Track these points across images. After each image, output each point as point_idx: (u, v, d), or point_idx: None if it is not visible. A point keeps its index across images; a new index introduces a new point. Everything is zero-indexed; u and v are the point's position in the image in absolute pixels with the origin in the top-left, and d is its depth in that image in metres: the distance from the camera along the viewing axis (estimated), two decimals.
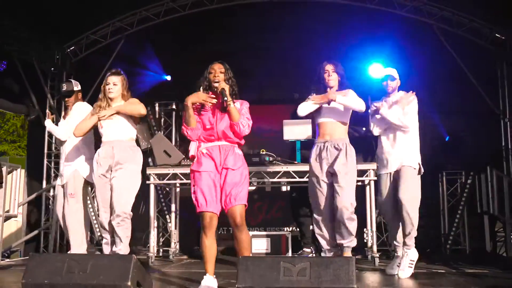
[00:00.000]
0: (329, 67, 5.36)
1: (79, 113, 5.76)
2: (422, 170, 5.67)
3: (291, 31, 8.83)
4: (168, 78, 9.62)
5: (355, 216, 5.25)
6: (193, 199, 4.24)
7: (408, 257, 5.35)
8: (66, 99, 6.11)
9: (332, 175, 5.27)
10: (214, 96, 4.24)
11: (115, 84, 5.25)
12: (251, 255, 4.38)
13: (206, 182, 4.20)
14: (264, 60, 9.04)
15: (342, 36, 8.71)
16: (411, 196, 5.43)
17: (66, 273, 3.43)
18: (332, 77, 5.34)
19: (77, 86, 6.12)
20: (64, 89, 6.07)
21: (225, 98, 4.14)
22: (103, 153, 5.23)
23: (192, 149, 4.50)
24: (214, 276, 4.26)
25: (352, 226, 5.21)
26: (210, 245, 4.22)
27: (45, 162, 9.09)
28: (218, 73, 4.27)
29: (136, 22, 8.96)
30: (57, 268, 3.46)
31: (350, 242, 5.25)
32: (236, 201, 4.15)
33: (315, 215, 5.43)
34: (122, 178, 5.12)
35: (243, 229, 4.18)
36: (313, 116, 5.51)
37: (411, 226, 5.37)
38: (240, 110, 4.28)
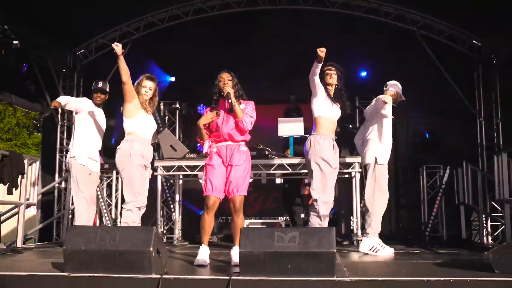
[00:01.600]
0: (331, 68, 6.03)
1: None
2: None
3: (287, 39, 9.56)
4: (172, 79, 10.34)
5: None
6: (203, 185, 5.12)
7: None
8: (97, 95, 6.66)
9: None
10: (219, 113, 5.15)
11: (150, 88, 5.86)
12: None
13: (215, 173, 5.09)
14: (262, 65, 9.79)
15: (334, 42, 9.36)
16: None
17: (99, 241, 4.16)
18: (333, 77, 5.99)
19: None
20: (100, 85, 6.66)
21: (229, 100, 5.08)
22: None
23: (206, 147, 5.28)
24: (208, 246, 5.10)
25: None
26: (209, 221, 5.08)
27: (58, 156, 9.82)
28: (227, 81, 5.21)
29: (143, 27, 9.70)
30: (91, 237, 4.19)
31: None
32: (238, 192, 5.08)
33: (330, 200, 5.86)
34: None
35: (240, 214, 5.10)
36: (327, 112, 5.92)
37: None
38: (245, 109, 5.18)
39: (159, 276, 3.98)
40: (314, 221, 5.73)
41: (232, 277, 3.93)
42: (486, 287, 3.78)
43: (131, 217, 5.58)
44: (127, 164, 5.64)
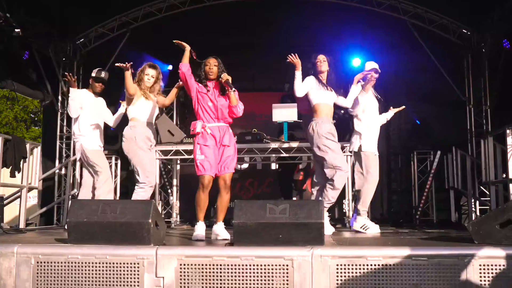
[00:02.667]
0: (320, 57, 6.30)
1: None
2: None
3: (282, 28, 9.71)
4: (170, 67, 10.53)
5: None
6: (198, 164, 5.34)
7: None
8: (98, 84, 6.89)
9: None
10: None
11: (152, 76, 6.20)
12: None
13: (210, 153, 5.33)
14: (258, 53, 10.01)
15: (327, 31, 9.63)
16: None
17: (100, 214, 4.39)
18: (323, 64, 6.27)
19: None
20: (102, 75, 6.89)
21: (232, 89, 5.32)
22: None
23: (198, 126, 5.42)
24: (204, 222, 5.36)
25: None
26: (205, 199, 5.35)
27: (58, 143, 10.04)
28: (213, 66, 5.47)
29: (141, 17, 9.89)
30: (93, 210, 4.41)
31: None
32: (228, 169, 5.37)
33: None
34: None
35: (228, 190, 5.39)
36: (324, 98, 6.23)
37: None
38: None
39: (164, 245, 4.22)
40: (329, 194, 6.00)
41: (226, 247, 4.17)
42: None
43: (142, 194, 5.91)
44: (134, 148, 6.00)
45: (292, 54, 5.96)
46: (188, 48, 5.41)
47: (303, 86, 6.10)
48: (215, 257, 1.92)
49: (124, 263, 1.93)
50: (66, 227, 4.42)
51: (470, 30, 9.30)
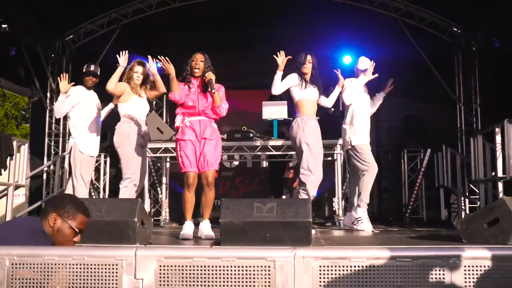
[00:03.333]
0: (308, 58, 6.18)
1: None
2: None
3: (272, 26, 9.68)
4: (160, 65, 10.43)
5: None
6: (179, 161, 5.22)
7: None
8: (88, 78, 6.75)
9: None
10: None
11: (142, 73, 6.15)
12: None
13: (190, 148, 5.18)
14: (248, 50, 9.93)
15: (318, 29, 9.61)
16: None
17: None
18: (307, 66, 6.18)
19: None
20: (92, 69, 6.78)
21: (213, 90, 5.11)
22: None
23: (178, 121, 5.33)
24: (192, 221, 5.27)
25: None
26: (191, 198, 5.23)
27: (46, 141, 9.96)
28: (199, 61, 5.28)
29: (131, 13, 9.82)
30: None
31: None
32: (211, 166, 5.18)
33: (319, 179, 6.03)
34: None
35: (212, 188, 5.22)
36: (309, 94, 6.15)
37: None
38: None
39: (144, 246, 4.17)
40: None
41: (213, 247, 4.13)
42: None
43: (128, 193, 5.84)
44: (126, 143, 5.93)
45: (279, 52, 5.87)
46: (172, 73, 5.18)
47: (281, 84, 6.01)
48: (195, 258, 1.88)
49: (102, 265, 1.89)
50: None
51: (461, 29, 9.30)
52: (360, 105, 6.51)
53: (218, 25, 9.73)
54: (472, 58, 9.22)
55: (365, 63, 6.54)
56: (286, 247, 2.02)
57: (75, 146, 6.60)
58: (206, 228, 5.16)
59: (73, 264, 2.01)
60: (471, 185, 8.80)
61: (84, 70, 6.84)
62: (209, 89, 5.16)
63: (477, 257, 1.97)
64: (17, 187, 8.02)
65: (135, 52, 9.66)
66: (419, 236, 5.32)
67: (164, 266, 1.95)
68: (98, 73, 6.85)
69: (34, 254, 2.02)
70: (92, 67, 6.82)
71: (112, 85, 5.82)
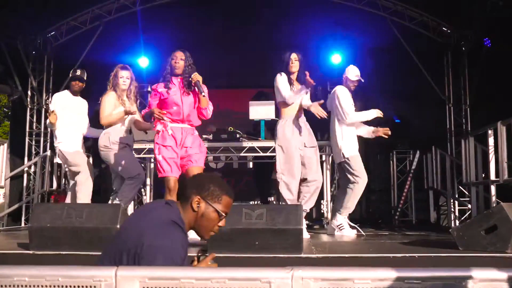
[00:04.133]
0: (293, 56, 6.03)
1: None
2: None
3: (258, 23, 9.46)
4: (145, 63, 10.24)
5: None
6: (158, 166, 5.03)
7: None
8: (74, 83, 6.56)
9: None
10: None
11: (127, 78, 6.06)
12: None
13: (170, 153, 4.98)
14: (233, 48, 9.72)
15: (305, 27, 9.45)
16: None
17: (65, 218, 4.13)
18: (294, 64, 6.02)
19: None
20: (79, 74, 6.57)
21: (202, 92, 4.93)
22: None
23: (158, 124, 5.10)
24: None
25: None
26: None
27: (27, 140, 9.66)
28: (179, 60, 5.08)
29: (114, 10, 9.54)
30: (58, 215, 4.16)
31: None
32: (196, 163, 4.99)
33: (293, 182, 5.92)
34: None
35: None
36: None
37: None
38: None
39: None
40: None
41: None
42: (450, 263, 3.85)
43: (133, 187, 5.90)
44: (110, 155, 5.91)
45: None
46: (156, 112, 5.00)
47: (288, 90, 5.85)
48: (182, 279, 1.70)
49: (78, 286, 1.71)
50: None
51: (450, 28, 9.18)
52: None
53: (201, 21, 9.51)
54: (462, 58, 9.10)
55: (355, 73, 6.34)
56: (283, 267, 1.83)
57: (60, 152, 6.42)
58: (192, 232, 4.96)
59: (46, 286, 1.82)
60: (460, 187, 8.69)
61: (70, 75, 6.67)
62: (198, 92, 4.98)
63: (492, 279, 1.81)
64: None
65: (119, 50, 9.63)
66: (410, 242, 5.17)
67: None
68: (85, 78, 6.65)
69: (2, 274, 1.82)
70: (79, 72, 6.65)
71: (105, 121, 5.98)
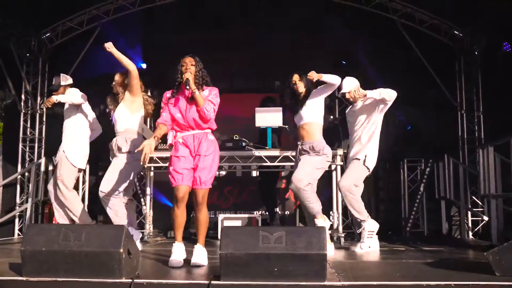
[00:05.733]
0: (295, 77, 5.87)
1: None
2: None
3: (261, 26, 9.20)
4: (144, 66, 9.87)
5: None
6: (170, 176, 4.72)
7: (366, 229, 5.84)
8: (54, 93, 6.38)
9: None
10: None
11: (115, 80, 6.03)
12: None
13: (182, 164, 4.68)
14: (238, 52, 9.38)
15: (312, 30, 9.14)
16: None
17: (62, 241, 3.73)
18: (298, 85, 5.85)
19: (65, 81, 6.40)
20: (53, 83, 6.41)
21: (187, 87, 4.64)
22: None
23: (170, 138, 4.86)
24: (182, 242, 4.73)
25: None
26: (180, 214, 4.67)
27: (20, 146, 9.27)
28: (189, 66, 4.75)
29: (112, 11, 9.16)
30: (54, 237, 3.75)
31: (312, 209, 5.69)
32: (204, 185, 4.66)
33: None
34: None
35: (202, 208, 4.68)
36: None
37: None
38: (208, 96, 4.74)
39: (130, 280, 3.59)
40: None
41: (212, 282, 3.56)
42: None
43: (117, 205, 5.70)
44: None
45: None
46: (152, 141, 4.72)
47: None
48: None
49: None
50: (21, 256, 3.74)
51: (463, 31, 8.82)
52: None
53: (203, 24, 9.20)
54: (474, 62, 8.74)
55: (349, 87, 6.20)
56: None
57: (63, 154, 6.26)
58: (196, 254, 4.60)
59: None
60: (473, 197, 8.33)
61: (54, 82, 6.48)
62: (186, 89, 4.68)
63: None
64: None
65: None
66: (437, 263, 4.80)
67: None
68: (60, 84, 6.42)
69: None
70: (53, 81, 6.50)
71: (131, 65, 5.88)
